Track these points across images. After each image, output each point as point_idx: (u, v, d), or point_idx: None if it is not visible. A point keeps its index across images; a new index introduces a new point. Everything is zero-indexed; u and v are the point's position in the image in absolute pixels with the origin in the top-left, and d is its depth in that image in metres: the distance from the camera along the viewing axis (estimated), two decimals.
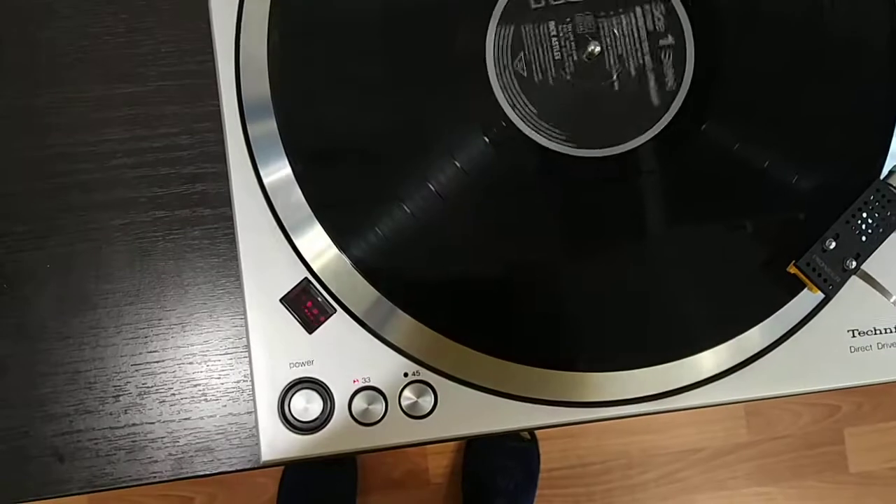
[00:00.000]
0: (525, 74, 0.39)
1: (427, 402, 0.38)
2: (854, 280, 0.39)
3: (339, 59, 0.40)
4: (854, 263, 0.37)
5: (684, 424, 1.18)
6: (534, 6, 0.39)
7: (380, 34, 0.40)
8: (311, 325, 0.38)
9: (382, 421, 0.38)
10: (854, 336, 0.40)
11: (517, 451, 1.07)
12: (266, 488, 1.06)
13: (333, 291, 0.38)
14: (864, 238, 0.37)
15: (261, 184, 0.39)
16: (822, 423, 1.19)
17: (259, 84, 0.39)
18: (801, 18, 0.41)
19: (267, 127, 0.39)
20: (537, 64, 0.39)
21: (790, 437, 1.19)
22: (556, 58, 0.39)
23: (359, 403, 0.38)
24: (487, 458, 1.05)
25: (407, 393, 0.38)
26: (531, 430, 1.09)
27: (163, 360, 0.43)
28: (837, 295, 0.39)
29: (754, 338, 0.40)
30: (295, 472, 1.04)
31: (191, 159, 0.43)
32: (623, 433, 1.17)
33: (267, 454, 0.38)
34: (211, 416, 0.43)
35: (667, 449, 1.18)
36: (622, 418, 0.41)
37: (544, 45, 0.39)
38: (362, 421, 0.38)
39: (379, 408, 0.38)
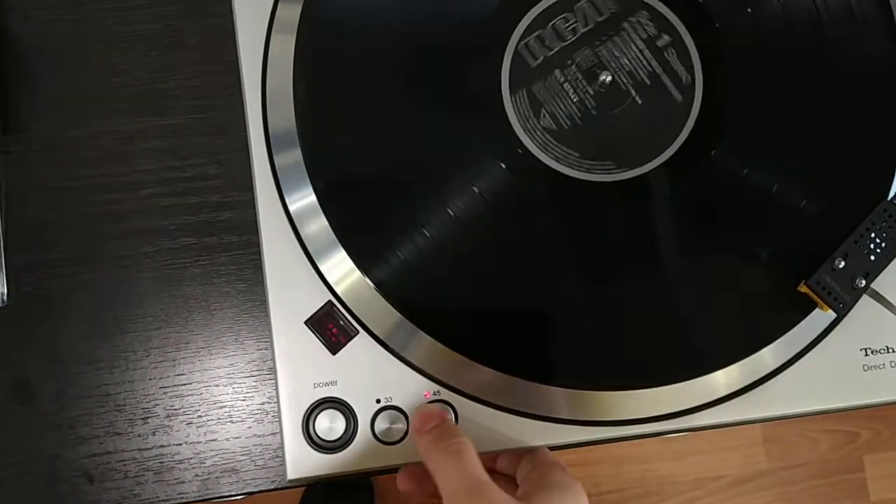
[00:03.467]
0: (550, 125, 0.40)
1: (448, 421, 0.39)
2: (866, 299, 0.39)
3: (362, 92, 0.41)
4: (863, 282, 0.38)
5: (702, 452, 1.17)
6: (533, 64, 0.41)
7: (400, 69, 0.42)
8: (334, 346, 0.39)
9: (404, 440, 0.39)
10: (867, 355, 0.41)
11: None
12: None
13: (356, 314, 0.39)
14: (872, 257, 0.38)
15: (286, 211, 0.40)
16: (841, 450, 1.18)
17: (285, 116, 0.41)
18: (806, 43, 0.42)
19: (292, 157, 0.40)
20: (559, 112, 0.41)
21: (809, 464, 1.18)
22: (574, 100, 0.41)
23: (381, 423, 0.39)
24: None
25: None
26: None
27: (190, 383, 0.44)
28: (849, 314, 0.40)
29: (767, 357, 0.40)
30: (313, 500, 1.04)
31: (218, 188, 0.45)
32: (640, 461, 1.17)
33: (292, 473, 0.39)
34: (236, 438, 0.44)
35: (685, 477, 1.17)
36: (638, 437, 0.42)
37: (559, 93, 0.41)
38: (385, 440, 0.39)
39: (401, 427, 0.39)
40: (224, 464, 0.44)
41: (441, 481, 0.34)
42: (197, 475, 0.43)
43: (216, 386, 0.44)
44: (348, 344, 0.39)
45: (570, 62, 0.41)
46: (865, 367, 0.41)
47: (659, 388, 0.39)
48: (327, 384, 0.39)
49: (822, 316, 0.40)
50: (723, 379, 0.40)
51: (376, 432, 0.39)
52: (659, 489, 1.17)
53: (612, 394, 0.40)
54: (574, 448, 0.42)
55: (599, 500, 1.15)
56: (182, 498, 0.43)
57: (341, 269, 0.40)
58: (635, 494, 1.17)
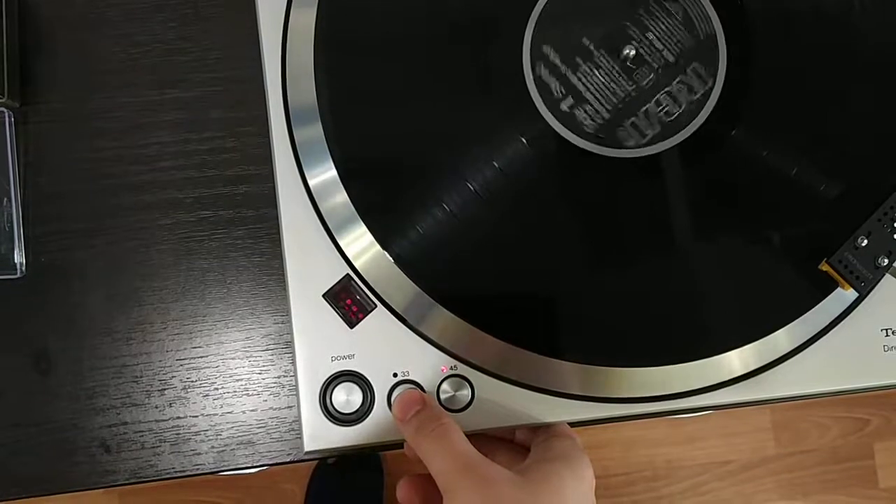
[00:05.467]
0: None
1: (464, 395, 0.39)
2: (888, 279, 0.39)
3: (383, 66, 0.41)
4: (886, 261, 0.38)
5: (710, 437, 1.18)
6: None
7: (421, 43, 0.41)
8: (352, 320, 0.39)
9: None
10: (888, 335, 0.40)
11: None
12: (293, 495, 1.07)
13: (374, 287, 0.39)
14: None
15: (306, 185, 0.40)
16: (851, 437, 1.18)
17: (305, 90, 0.40)
18: (831, 24, 0.42)
19: (313, 131, 0.40)
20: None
21: (818, 450, 1.18)
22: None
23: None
24: None
25: (445, 387, 0.39)
26: None
27: (206, 356, 0.44)
28: (871, 294, 0.40)
29: (786, 337, 0.40)
30: (322, 479, 1.04)
31: (235, 161, 0.45)
32: (648, 445, 1.17)
33: (309, 445, 0.39)
34: (252, 410, 0.44)
35: (692, 461, 1.17)
36: (650, 416, 0.42)
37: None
38: None
39: None
40: (240, 436, 0.44)
41: (431, 467, 0.34)
42: (213, 447, 0.44)
43: (232, 359, 0.44)
44: (366, 318, 0.39)
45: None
46: (886, 348, 0.40)
47: (682, 364, 0.39)
48: (345, 357, 0.39)
49: (842, 296, 0.40)
50: (738, 359, 0.40)
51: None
52: (667, 473, 1.17)
53: (626, 370, 0.40)
54: (586, 426, 0.42)
55: (607, 482, 1.16)
56: (198, 469, 0.44)
57: (360, 243, 0.39)
58: (643, 478, 1.17)
